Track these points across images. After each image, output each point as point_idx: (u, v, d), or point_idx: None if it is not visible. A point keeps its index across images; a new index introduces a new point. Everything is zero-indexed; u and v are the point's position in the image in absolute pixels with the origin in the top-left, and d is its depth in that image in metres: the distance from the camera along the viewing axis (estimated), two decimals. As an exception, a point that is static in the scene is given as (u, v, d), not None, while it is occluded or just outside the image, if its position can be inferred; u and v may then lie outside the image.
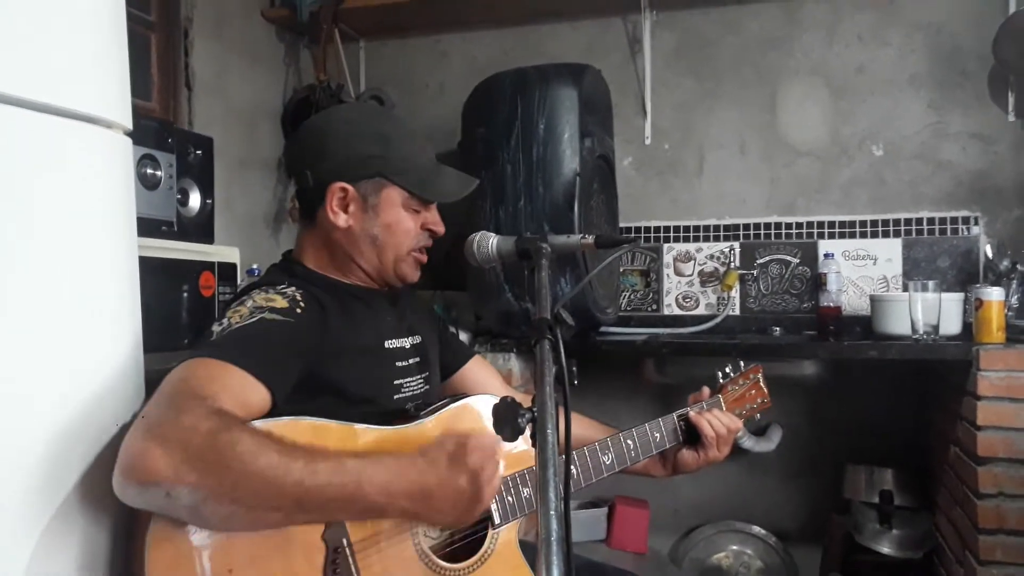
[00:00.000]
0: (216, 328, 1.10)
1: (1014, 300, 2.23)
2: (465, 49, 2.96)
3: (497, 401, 0.91)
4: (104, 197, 1.06)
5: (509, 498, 1.26)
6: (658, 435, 1.47)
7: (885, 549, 2.35)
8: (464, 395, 1.34)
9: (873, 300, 2.25)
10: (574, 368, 0.97)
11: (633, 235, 2.76)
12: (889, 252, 2.55)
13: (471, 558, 1.22)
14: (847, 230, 2.59)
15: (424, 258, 1.36)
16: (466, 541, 1.24)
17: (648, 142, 2.77)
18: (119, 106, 1.09)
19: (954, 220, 2.49)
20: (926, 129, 2.53)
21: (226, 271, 1.94)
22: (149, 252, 1.67)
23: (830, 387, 2.57)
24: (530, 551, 1.29)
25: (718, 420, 1.46)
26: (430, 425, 1.24)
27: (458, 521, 1.12)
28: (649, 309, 2.76)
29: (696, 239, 2.73)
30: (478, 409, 1.30)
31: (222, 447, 0.92)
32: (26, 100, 0.94)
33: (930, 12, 2.52)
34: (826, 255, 2.50)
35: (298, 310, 1.16)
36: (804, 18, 2.64)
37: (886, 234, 2.55)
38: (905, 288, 2.45)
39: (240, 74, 2.70)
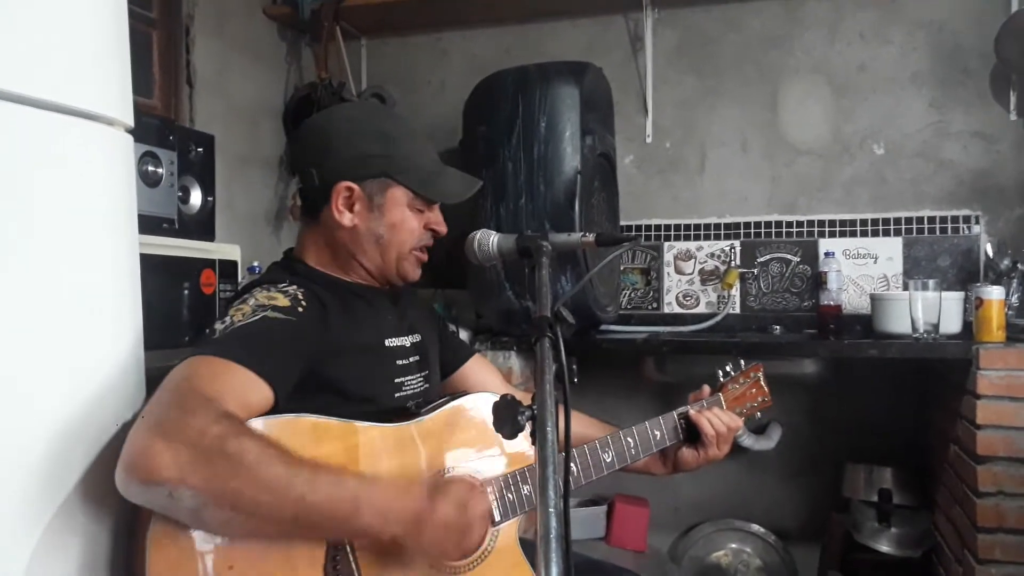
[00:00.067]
0: (219, 326, 1.10)
1: (1014, 299, 2.23)
2: (466, 47, 2.96)
3: (497, 399, 0.91)
4: (105, 194, 1.07)
5: (509, 495, 1.26)
6: (658, 433, 1.47)
7: (884, 548, 2.35)
8: (464, 393, 1.34)
9: (873, 299, 2.25)
10: (574, 366, 0.97)
11: (634, 233, 2.76)
12: (890, 251, 2.55)
13: (471, 556, 1.23)
14: (848, 229, 2.59)
15: (425, 257, 1.36)
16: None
17: (649, 140, 2.77)
18: (120, 103, 1.09)
19: (955, 219, 2.49)
20: (928, 128, 2.53)
21: (227, 269, 1.94)
22: (150, 249, 1.67)
23: (830, 386, 2.57)
24: (530, 548, 1.29)
25: (718, 418, 1.47)
26: (429, 423, 1.24)
27: (445, 554, 1.13)
28: (649, 307, 2.76)
29: (697, 237, 2.73)
30: (478, 407, 1.30)
31: (230, 454, 0.93)
32: (28, 97, 0.94)
33: (932, 10, 2.52)
34: (827, 254, 2.50)
35: (300, 309, 1.16)
36: (806, 16, 2.63)
37: (887, 233, 2.55)
38: (905, 287, 2.45)
39: (241, 72, 2.70)
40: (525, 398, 0.92)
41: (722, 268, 2.69)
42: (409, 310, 1.41)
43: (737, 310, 2.67)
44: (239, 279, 1.98)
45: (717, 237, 2.71)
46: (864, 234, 2.57)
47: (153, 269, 1.66)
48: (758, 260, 2.66)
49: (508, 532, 1.28)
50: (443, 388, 1.48)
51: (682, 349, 2.31)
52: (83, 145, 1.02)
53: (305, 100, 2.77)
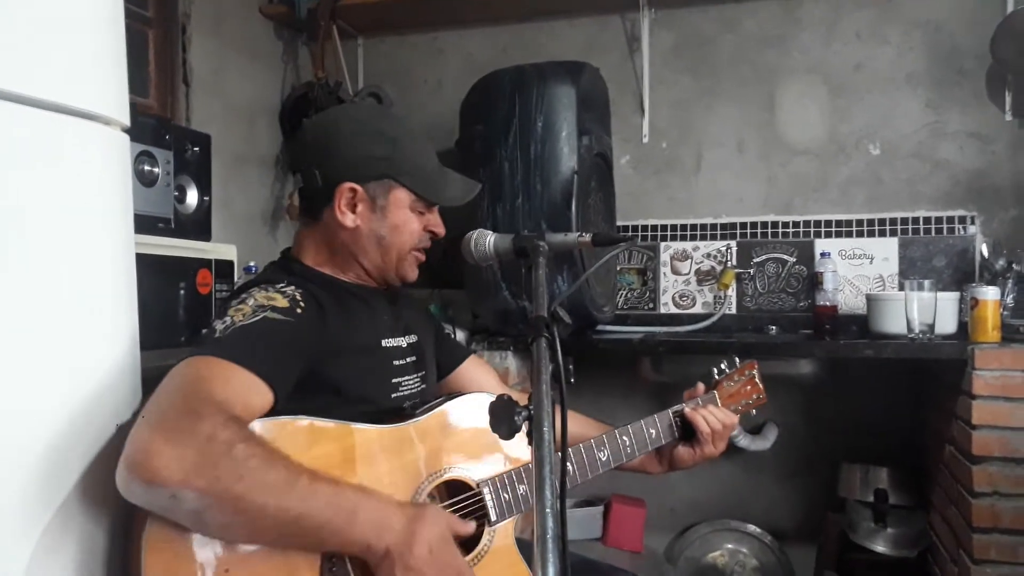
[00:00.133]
0: (219, 326, 1.10)
1: (1009, 299, 2.24)
2: (463, 47, 2.96)
3: (494, 399, 0.91)
4: (101, 194, 1.06)
5: (505, 495, 1.26)
6: (654, 431, 1.47)
7: (880, 548, 2.35)
8: (461, 393, 1.34)
9: (869, 299, 2.25)
10: (571, 366, 0.97)
11: (630, 234, 2.77)
12: (885, 251, 2.55)
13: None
14: (844, 229, 2.59)
15: (423, 257, 1.37)
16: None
17: (646, 140, 2.78)
18: (117, 102, 1.09)
19: (950, 219, 2.50)
20: (924, 128, 2.53)
21: (223, 268, 1.93)
22: (146, 249, 1.67)
23: (826, 386, 2.58)
24: (526, 549, 1.29)
25: (713, 416, 1.47)
26: (427, 422, 1.24)
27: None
28: (646, 308, 2.76)
29: (693, 238, 2.73)
30: (474, 406, 1.30)
31: (237, 458, 0.93)
32: (23, 96, 0.94)
33: (929, 10, 2.52)
34: (822, 254, 2.51)
35: (298, 310, 1.16)
36: (803, 16, 2.64)
37: (883, 233, 2.56)
38: (901, 287, 2.45)
39: (238, 71, 2.69)
40: (522, 398, 0.92)
41: (718, 268, 2.69)
42: (405, 311, 1.41)
43: (733, 310, 2.67)
44: (235, 279, 1.97)
45: (713, 237, 2.71)
46: (860, 234, 2.58)
47: (149, 269, 1.65)
48: (754, 260, 2.67)
49: (504, 532, 1.28)
50: (439, 389, 1.48)
51: (678, 349, 2.31)
52: (79, 144, 1.02)
53: (302, 99, 2.77)
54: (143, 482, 0.90)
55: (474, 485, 1.26)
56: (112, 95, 1.08)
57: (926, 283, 2.02)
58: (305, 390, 1.13)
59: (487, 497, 1.25)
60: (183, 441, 0.91)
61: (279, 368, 1.08)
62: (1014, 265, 2.26)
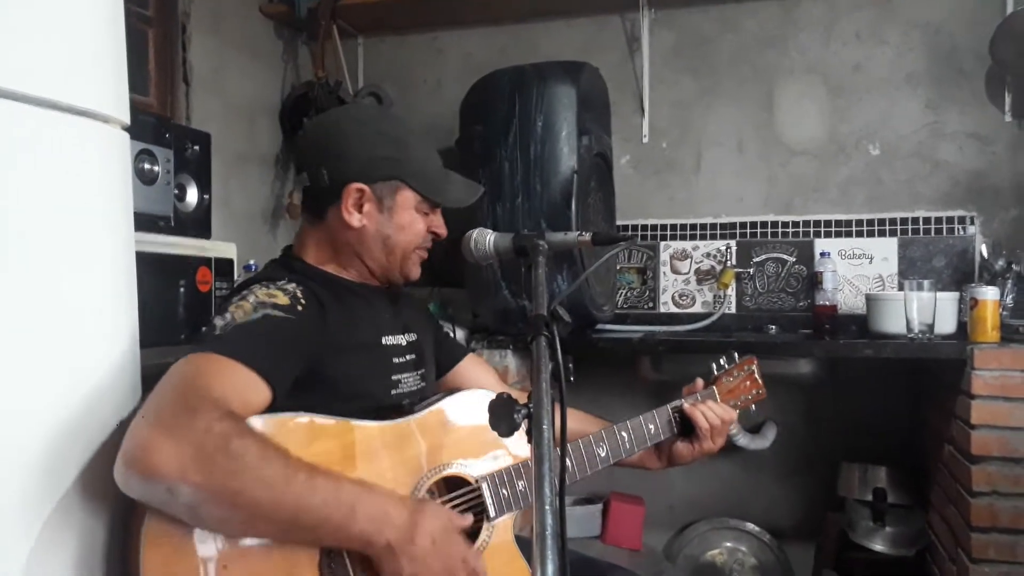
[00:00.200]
0: (219, 322, 1.10)
1: (1009, 299, 2.24)
2: (462, 47, 2.96)
3: (493, 397, 0.91)
4: (101, 192, 1.06)
5: (504, 491, 1.27)
6: (652, 427, 1.48)
7: (878, 547, 2.36)
8: (460, 390, 1.35)
9: (869, 299, 2.26)
10: (570, 365, 0.97)
11: (630, 233, 2.77)
12: (885, 251, 2.56)
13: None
14: (843, 229, 2.59)
15: (426, 256, 1.38)
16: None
17: (646, 140, 2.78)
18: (117, 101, 1.09)
19: (950, 220, 2.50)
20: (923, 128, 2.53)
21: (223, 267, 1.94)
22: (146, 247, 1.67)
23: (825, 385, 2.58)
24: (526, 546, 1.29)
25: (712, 411, 1.47)
26: (428, 418, 1.25)
27: (430, 570, 1.08)
28: (645, 307, 2.77)
29: (693, 237, 2.73)
30: (472, 403, 1.30)
31: (232, 452, 0.93)
32: (23, 94, 0.94)
33: (928, 11, 2.52)
34: (822, 254, 2.51)
35: (299, 307, 1.16)
36: (802, 16, 2.64)
37: (882, 233, 2.56)
38: (901, 287, 2.46)
39: (238, 70, 2.69)
40: (521, 397, 0.93)
41: (718, 268, 2.70)
42: (405, 310, 1.42)
43: (733, 310, 2.68)
44: (235, 277, 1.97)
45: (713, 237, 2.71)
46: (859, 234, 2.58)
47: (149, 267, 1.65)
48: (754, 260, 2.67)
49: (504, 528, 1.28)
50: (438, 387, 1.48)
51: (678, 349, 2.32)
52: (79, 142, 1.02)
53: (302, 99, 2.77)
54: (141, 476, 0.91)
55: (473, 481, 1.26)
56: (112, 93, 1.08)
57: (925, 283, 2.02)
58: (305, 387, 1.13)
59: (486, 493, 1.25)
60: (180, 435, 0.91)
61: (278, 365, 1.08)
62: (1013, 265, 2.27)
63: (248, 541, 1.01)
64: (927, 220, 2.52)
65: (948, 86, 2.51)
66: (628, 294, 2.78)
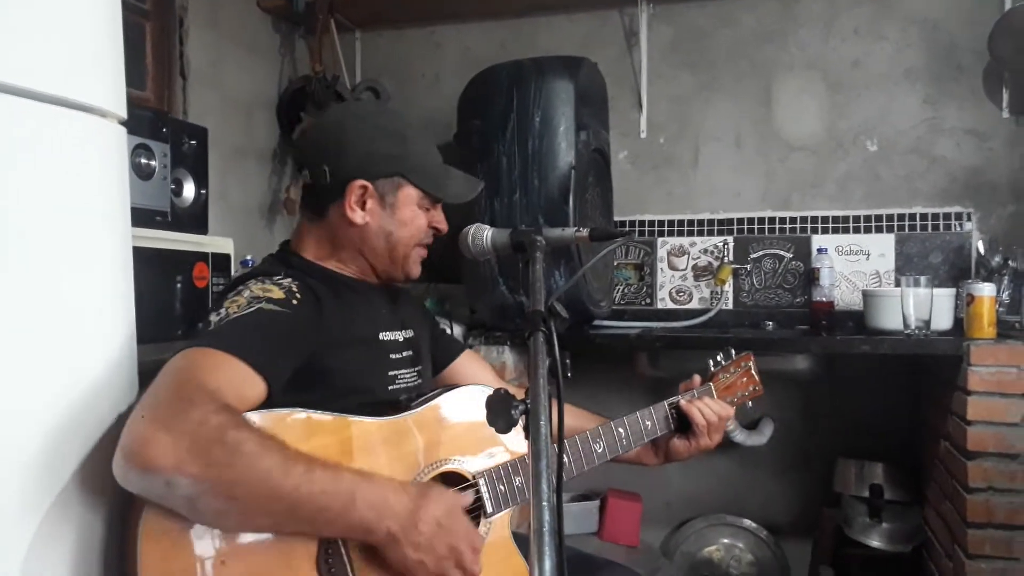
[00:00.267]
0: (214, 318, 1.10)
1: (1005, 296, 2.24)
2: (460, 41, 2.95)
3: (490, 393, 0.91)
4: (98, 187, 1.06)
5: (501, 487, 1.27)
6: (649, 423, 1.48)
7: (875, 543, 2.36)
8: (457, 386, 1.34)
9: (865, 295, 2.26)
10: (567, 361, 0.97)
11: (627, 229, 2.76)
12: (882, 247, 2.56)
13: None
14: (841, 225, 2.59)
15: (426, 253, 1.38)
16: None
17: (644, 135, 2.77)
18: (113, 95, 1.09)
19: (947, 216, 2.50)
20: (921, 124, 2.53)
21: (220, 262, 1.93)
22: (143, 242, 1.66)
23: (822, 381, 2.58)
24: (523, 542, 1.30)
25: (709, 408, 1.48)
26: (425, 413, 1.25)
27: (436, 560, 1.08)
28: (643, 303, 2.77)
29: (690, 233, 2.73)
30: (469, 399, 1.30)
31: (229, 444, 0.93)
32: (19, 88, 0.94)
33: (927, 7, 2.52)
34: (819, 250, 2.51)
35: (294, 301, 1.16)
36: (800, 12, 2.64)
37: (879, 229, 2.56)
38: (898, 283, 2.46)
39: (235, 64, 2.68)
40: (519, 393, 0.93)
41: (715, 264, 2.69)
42: (403, 306, 1.42)
43: (730, 306, 2.68)
44: (232, 272, 1.97)
45: (710, 233, 2.71)
46: (857, 230, 2.58)
47: (146, 262, 1.65)
48: (751, 256, 2.67)
49: (501, 524, 1.28)
50: (435, 383, 1.48)
51: (675, 345, 2.32)
52: (76, 137, 1.02)
53: (299, 93, 2.76)
54: (139, 470, 0.91)
55: (470, 477, 1.26)
56: (109, 88, 1.08)
57: (922, 279, 2.02)
58: (302, 382, 1.13)
59: (483, 489, 1.26)
60: (176, 428, 0.91)
61: (273, 359, 1.08)
62: (1010, 262, 2.27)
63: (246, 537, 1.01)
64: (924, 216, 2.52)
65: (946, 82, 2.51)
66: (625, 290, 2.78)
